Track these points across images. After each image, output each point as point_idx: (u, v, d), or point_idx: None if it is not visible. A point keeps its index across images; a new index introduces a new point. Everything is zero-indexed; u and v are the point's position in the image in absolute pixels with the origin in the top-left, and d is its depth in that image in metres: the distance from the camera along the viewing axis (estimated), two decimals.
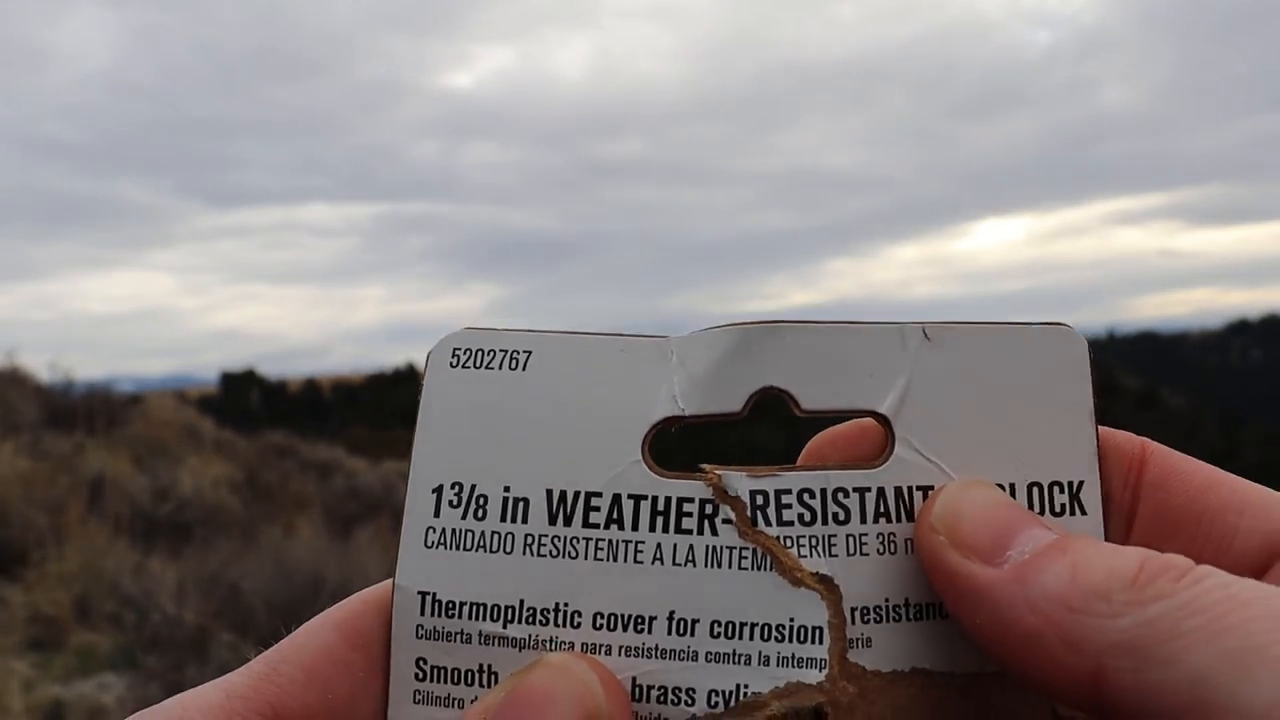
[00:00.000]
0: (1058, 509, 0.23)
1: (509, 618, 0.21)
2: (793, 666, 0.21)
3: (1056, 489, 0.23)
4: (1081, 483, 0.23)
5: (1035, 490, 0.23)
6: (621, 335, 0.24)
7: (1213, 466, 0.26)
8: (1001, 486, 0.22)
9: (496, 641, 0.21)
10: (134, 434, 5.86)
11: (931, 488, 0.22)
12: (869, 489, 0.22)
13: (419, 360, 0.25)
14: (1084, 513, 0.23)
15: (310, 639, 0.23)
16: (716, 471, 0.22)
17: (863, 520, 0.22)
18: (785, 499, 0.21)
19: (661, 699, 0.20)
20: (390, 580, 0.22)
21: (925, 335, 0.23)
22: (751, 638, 0.21)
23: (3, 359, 6.31)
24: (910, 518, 0.22)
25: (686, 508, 0.21)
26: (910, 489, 0.22)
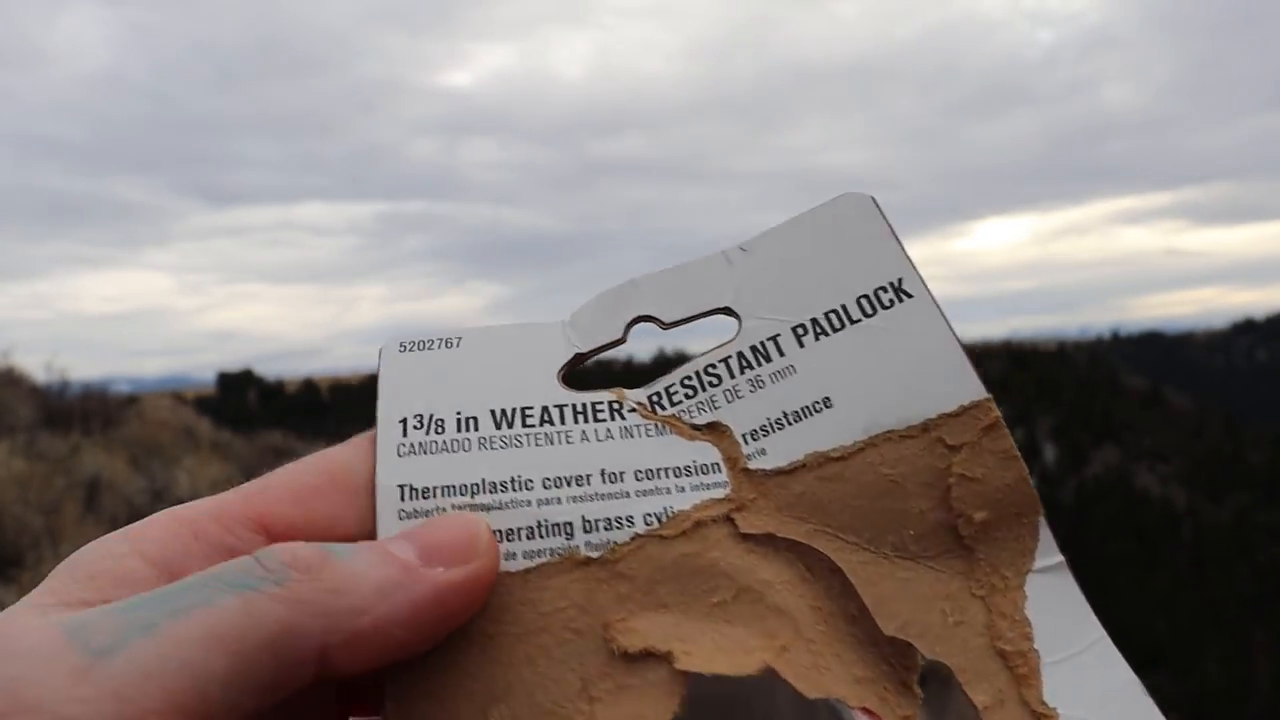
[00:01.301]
0: (887, 304, 0.28)
1: (474, 492, 0.27)
2: (704, 490, 0.27)
3: (881, 291, 0.29)
4: (900, 278, 0.29)
5: (865, 300, 0.28)
6: (537, 321, 0.30)
7: None
8: (835, 310, 0.29)
9: (467, 510, 0.26)
10: (130, 435, 5.83)
11: (779, 335, 0.29)
12: (730, 355, 0.29)
13: None
14: (910, 296, 0.28)
15: (298, 470, 0.26)
16: (619, 389, 0.29)
17: (731, 377, 0.29)
18: (672, 390, 0.29)
19: (607, 527, 0.26)
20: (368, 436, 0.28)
21: (742, 249, 0.30)
22: (667, 476, 0.27)
23: None
24: (767, 360, 0.28)
25: (599, 407, 0.28)
26: (761, 342, 0.29)
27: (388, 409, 0.28)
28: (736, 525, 0.27)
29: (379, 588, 0.22)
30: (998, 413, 0.27)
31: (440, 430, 0.28)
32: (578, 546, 0.26)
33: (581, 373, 0.29)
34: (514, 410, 0.28)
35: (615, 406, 0.29)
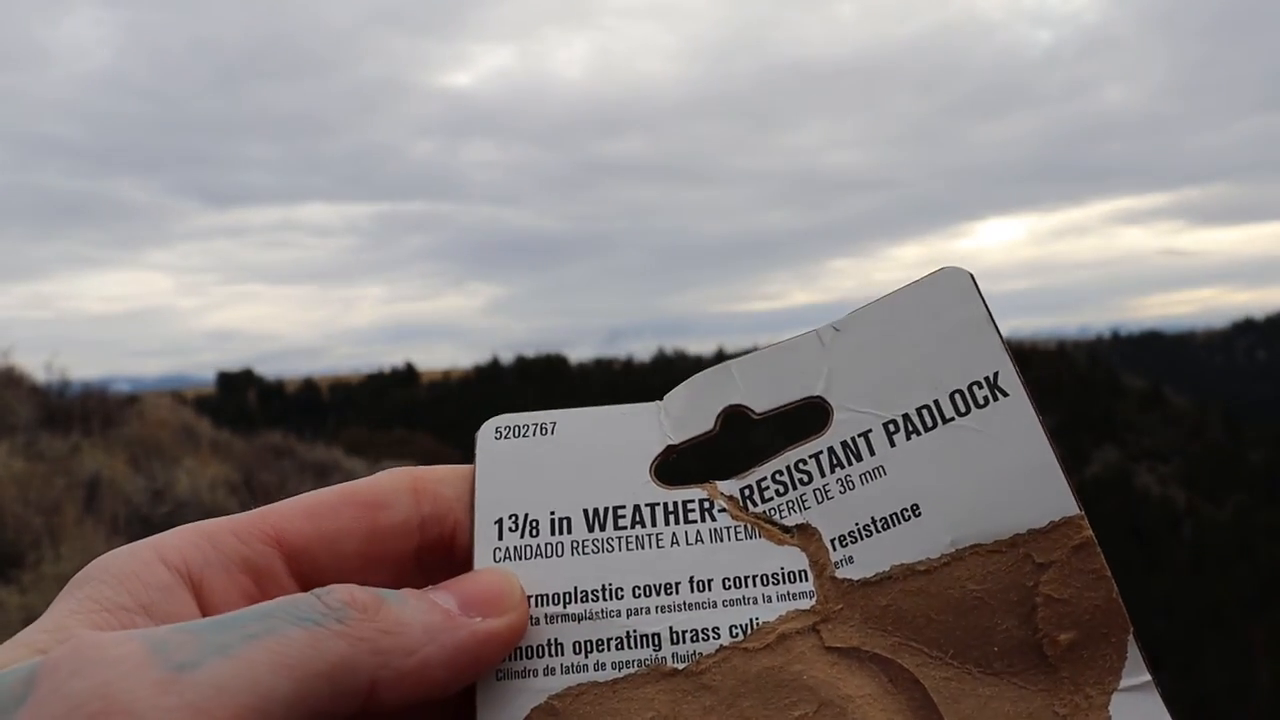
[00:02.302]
0: (981, 402, 0.27)
1: (566, 600, 0.27)
2: (790, 600, 0.27)
3: (976, 387, 0.28)
4: (997, 372, 0.28)
5: (959, 396, 0.28)
6: (624, 405, 0.31)
7: None
8: (927, 406, 0.28)
9: (559, 619, 0.27)
10: (130, 434, 5.84)
11: (870, 430, 0.28)
12: (821, 451, 0.29)
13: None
14: (1005, 395, 0.27)
15: (314, 492, 0.29)
16: (712, 481, 0.29)
17: (822, 475, 0.28)
18: (763, 484, 0.29)
19: (694, 638, 0.27)
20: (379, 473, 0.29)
21: (835, 329, 0.29)
22: (754, 585, 0.28)
23: None
24: (858, 458, 0.28)
25: (690, 506, 0.29)
26: (853, 438, 0.28)
27: (484, 508, 0.29)
28: (821, 637, 0.27)
29: (425, 630, 0.24)
30: (1089, 531, 0.26)
31: (535, 533, 0.29)
32: (665, 658, 0.27)
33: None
34: (607, 510, 0.29)
35: (706, 506, 0.29)
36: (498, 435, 0.31)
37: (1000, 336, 0.28)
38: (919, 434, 0.28)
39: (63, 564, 3.87)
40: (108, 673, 0.21)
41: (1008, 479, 0.27)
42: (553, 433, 0.30)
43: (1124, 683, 0.25)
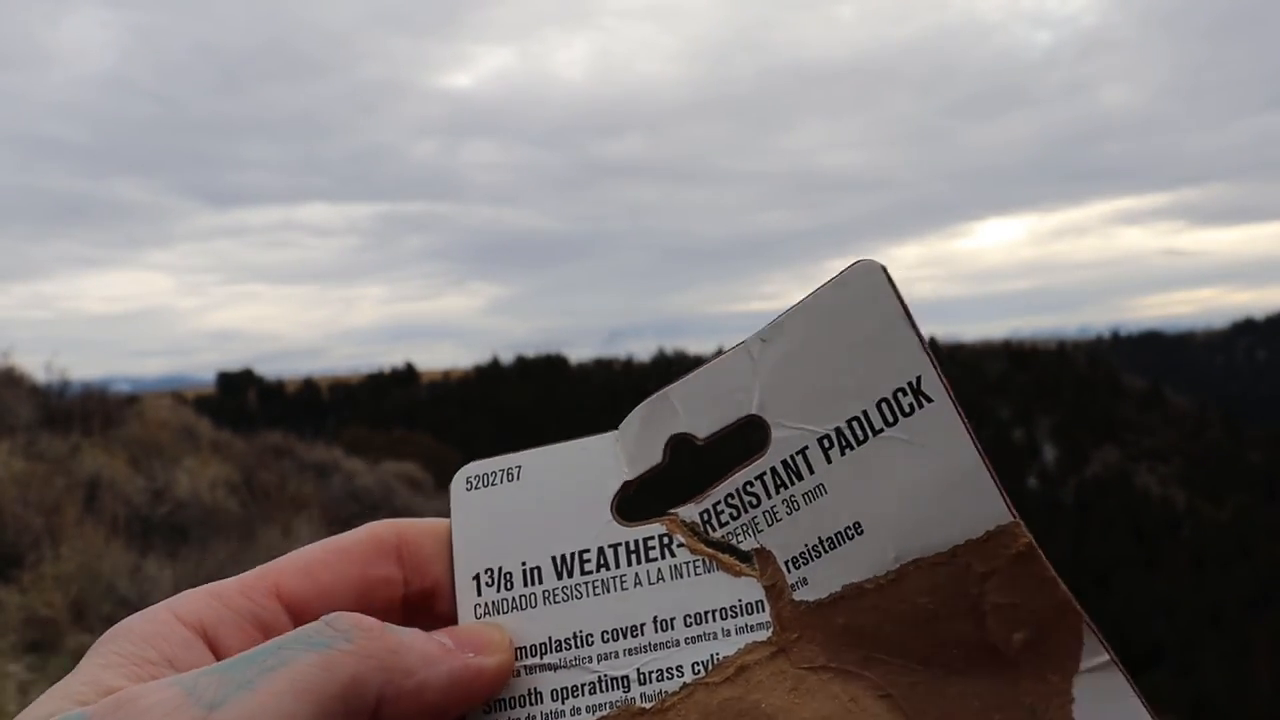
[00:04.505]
0: (907, 409, 0.27)
1: (543, 651, 0.29)
2: (749, 631, 0.28)
3: (900, 394, 0.27)
4: (919, 376, 0.27)
5: (885, 405, 0.27)
6: (583, 439, 0.31)
7: None
8: (857, 418, 0.28)
9: (537, 669, 0.29)
10: (130, 435, 5.83)
11: (807, 448, 0.28)
12: (765, 471, 0.29)
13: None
14: (930, 400, 0.27)
15: (308, 548, 0.31)
16: (672, 511, 0.30)
17: (769, 496, 0.29)
18: (718, 508, 0.30)
19: (659, 678, 0.28)
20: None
21: (762, 339, 0.29)
22: (713, 620, 0.29)
23: None
24: (799, 478, 0.29)
25: (650, 543, 0.30)
26: (791, 457, 0.29)
27: (462, 565, 0.31)
28: (787, 662, 0.28)
29: (424, 656, 0.27)
30: (1029, 538, 0.26)
31: (510, 586, 0.30)
32: (634, 699, 0.28)
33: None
34: (573, 556, 0.30)
35: (665, 541, 0.30)
36: (469, 487, 0.32)
37: (919, 336, 0.27)
38: (852, 448, 0.28)
39: (63, 564, 3.87)
40: (149, 716, 0.23)
41: (939, 491, 0.27)
42: (519, 478, 0.31)
43: (1084, 665, 0.26)
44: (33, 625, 3.61)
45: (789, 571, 0.28)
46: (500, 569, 0.31)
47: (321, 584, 0.30)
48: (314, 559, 0.31)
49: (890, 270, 0.28)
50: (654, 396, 0.31)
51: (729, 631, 0.29)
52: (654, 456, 0.30)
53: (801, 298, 0.29)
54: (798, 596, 0.28)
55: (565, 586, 0.30)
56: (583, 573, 0.30)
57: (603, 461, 0.31)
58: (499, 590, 0.31)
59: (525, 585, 0.30)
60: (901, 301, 0.28)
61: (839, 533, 0.28)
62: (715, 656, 0.28)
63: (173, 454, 5.66)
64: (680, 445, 0.31)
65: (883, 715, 0.26)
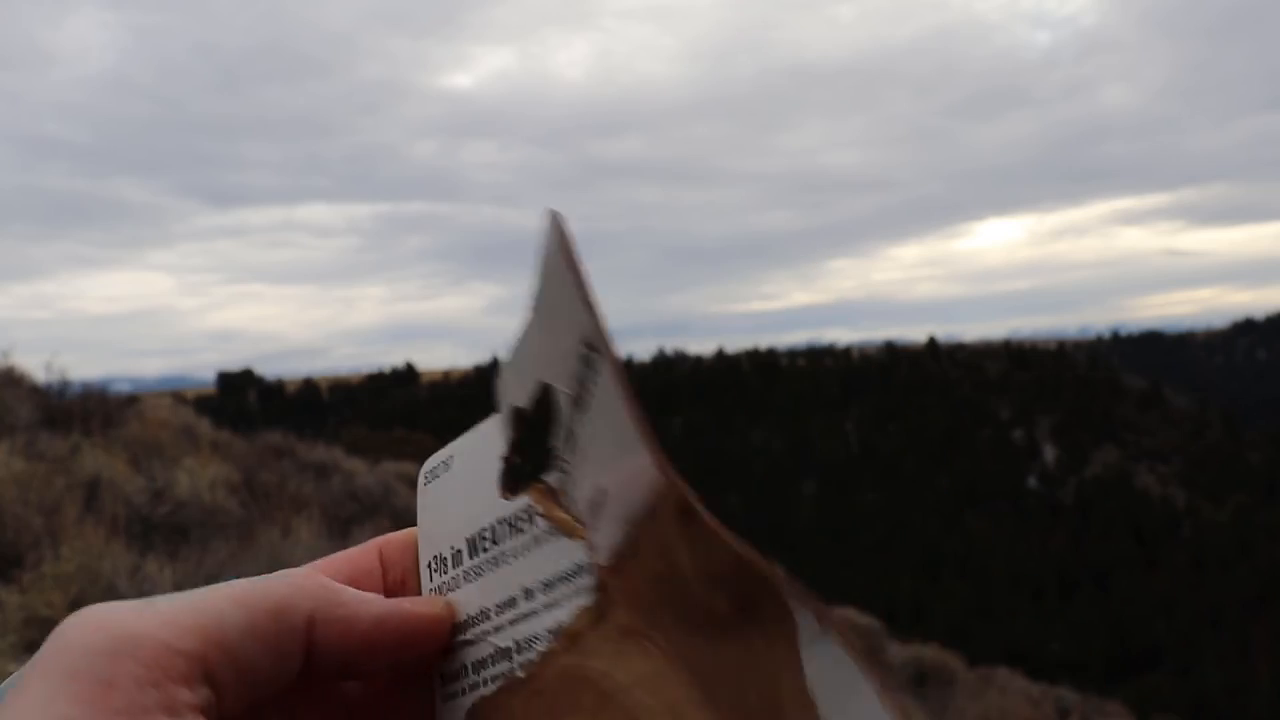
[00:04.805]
0: (593, 372, 0.27)
1: (466, 628, 0.32)
2: (579, 595, 0.29)
3: (585, 358, 0.27)
4: (590, 340, 0.27)
5: (582, 367, 0.28)
6: (484, 421, 0.33)
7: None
8: (568, 389, 0.28)
9: (464, 645, 0.32)
10: (130, 435, 5.83)
11: (573, 419, 0.29)
12: (561, 432, 0.30)
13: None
14: (599, 354, 0.27)
15: (315, 564, 0.33)
16: (542, 477, 0.30)
17: (563, 449, 0.29)
18: (560, 461, 0.29)
19: (527, 647, 0.30)
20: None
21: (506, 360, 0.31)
22: (559, 586, 0.29)
23: None
24: (576, 443, 0.29)
25: (521, 515, 0.30)
26: (566, 423, 0.29)
27: (422, 554, 0.34)
28: (603, 629, 0.28)
29: (357, 596, 0.30)
30: (682, 493, 0.25)
31: (445, 569, 0.33)
32: (515, 669, 0.30)
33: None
34: (477, 536, 0.32)
35: (530, 512, 0.30)
36: (425, 480, 0.34)
37: (585, 296, 0.28)
38: (583, 413, 0.28)
39: (62, 564, 3.87)
40: (98, 608, 0.26)
41: (618, 455, 0.27)
42: (451, 467, 0.33)
43: (804, 637, 0.25)
44: (33, 625, 3.61)
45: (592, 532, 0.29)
46: (439, 555, 0.33)
47: (354, 571, 0.33)
48: (315, 563, 0.33)
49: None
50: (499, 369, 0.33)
51: (568, 596, 0.29)
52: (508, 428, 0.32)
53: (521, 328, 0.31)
54: (598, 558, 0.28)
55: (475, 565, 0.32)
56: (484, 550, 0.32)
57: (496, 439, 0.32)
58: (441, 574, 0.33)
59: (453, 567, 0.32)
60: (574, 263, 0.28)
61: (598, 494, 0.28)
62: (559, 624, 0.29)
63: (172, 454, 5.66)
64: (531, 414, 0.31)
65: (678, 675, 0.27)
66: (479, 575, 0.32)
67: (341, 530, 5.51)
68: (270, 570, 0.33)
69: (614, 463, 0.27)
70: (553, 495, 0.30)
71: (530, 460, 0.31)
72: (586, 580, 0.28)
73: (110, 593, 3.89)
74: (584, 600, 0.28)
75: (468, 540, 0.32)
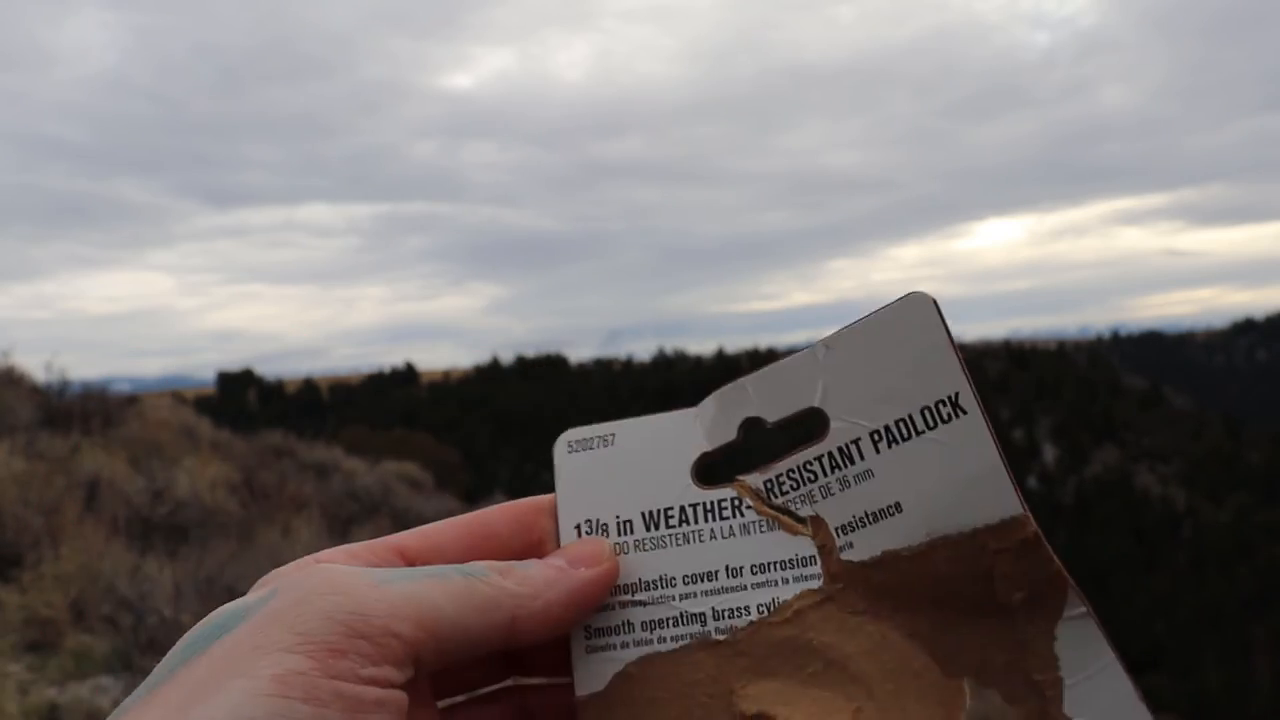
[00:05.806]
0: (945, 418, 0.33)
1: (634, 590, 0.36)
2: (803, 581, 0.35)
3: (940, 404, 0.33)
4: (957, 393, 0.33)
5: (928, 412, 0.33)
6: (665, 414, 0.37)
7: None
8: (903, 419, 0.34)
9: (629, 605, 0.35)
10: (130, 435, 5.83)
11: (860, 439, 0.34)
12: (824, 454, 0.35)
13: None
14: (965, 413, 0.33)
15: (430, 524, 0.37)
16: (740, 478, 0.36)
17: (825, 474, 0.35)
18: (780, 480, 0.35)
19: (730, 615, 0.35)
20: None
21: (826, 347, 0.35)
22: (775, 570, 0.35)
23: None
24: (851, 462, 0.34)
25: (724, 504, 0.36)
26: (847, 444, 0.35)
27: (565, 516, 0.37)
28: (832, 608, 0.34)
29: (545, 581, 0.34)
30: (1034, 527, 0.32)
31: (605, 534, 0.36)
32: (709, 632, 0.35)
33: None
34: (659, 511, 0.36)
35: (736, 503, 0.36)
36: (570, 450, 0.37)
37: (960, 359, 0.33)
38: (898, 443, 0.34)
39: (62, 564, 3.87)
40: (332, 572, 0.30)
41: (966, 484, 0.32)
42: (613, 443, 0.37)
43: (1066, 614, 0.32)
44: (32, 625, 3.60)
45: (838, 536, 0.34)
46: (598, 520, 0.36)
47: (433, 541, 0.35)
48: (431, 525, 0.36)
49: (940, 303, 0.34)
50: (730, 385, 0.37)
51: (787, 580, 0.34)
52: (729, 433, 0.36)
53: (862, 316, 0.35)
54: (844, 557, 0.34)
55: (653, 537, 0.36)
56: (667, 526, 0.36)
57: (683, 433, 0.36)
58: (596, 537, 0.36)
59: (619, 535, 0.36)
60: (947, 330, 0.34)
61: (882, 509, 0.34)
62: (776, 600, 0.34)
63: (172, 454, 5.66)
64: (751, 426, 0.36)
65: (907, 647, 0.33)
66: (659, 546, 0.36)
67: (341, 530, 5.50)
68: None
69: (959, 492, 0.32)
70: (758, 495, 0.35)
71: (732, 461, 0.36)
72: (812, 570, 0.34)
73: (110, 593, 3.89)
74: (809, 585, 0.34)
75: (643, 514, 0.36)
